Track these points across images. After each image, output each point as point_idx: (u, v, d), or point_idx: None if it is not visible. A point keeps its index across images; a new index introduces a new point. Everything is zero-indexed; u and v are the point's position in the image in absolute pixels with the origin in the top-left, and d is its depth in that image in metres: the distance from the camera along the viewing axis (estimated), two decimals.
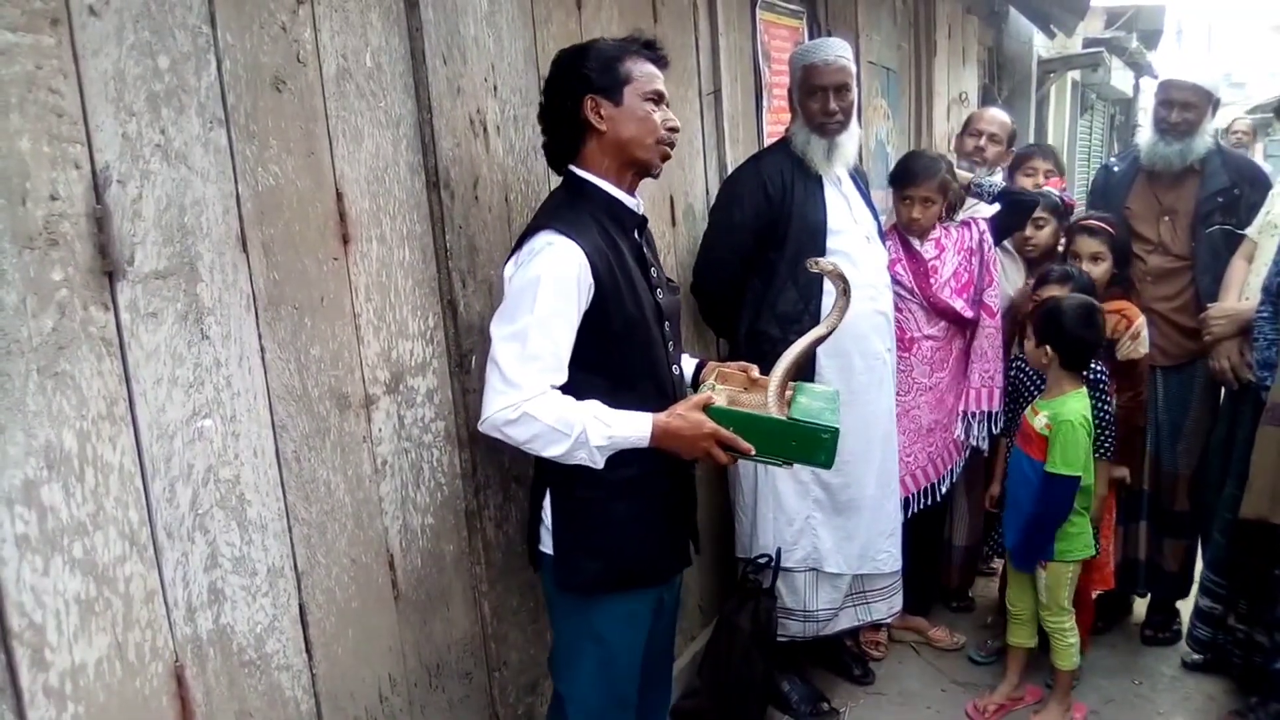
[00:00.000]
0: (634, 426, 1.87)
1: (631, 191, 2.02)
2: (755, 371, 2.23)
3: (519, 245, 1.90)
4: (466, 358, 2.13)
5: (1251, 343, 3.02)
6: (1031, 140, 8.45)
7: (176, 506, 1.47)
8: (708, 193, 3.31)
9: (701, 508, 3.24)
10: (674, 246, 3.08)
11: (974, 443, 3.42)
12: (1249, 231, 3.21)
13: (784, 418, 1.95)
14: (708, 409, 1.90)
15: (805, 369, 2.90)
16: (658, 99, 1.96)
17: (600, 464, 1.86)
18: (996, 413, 3.39)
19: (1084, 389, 2.98)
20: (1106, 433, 3.12)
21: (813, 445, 1.91)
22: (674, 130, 1.99)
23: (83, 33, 1.32)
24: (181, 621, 1.48)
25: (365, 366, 1.87)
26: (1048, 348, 2.95)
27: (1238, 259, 3.21)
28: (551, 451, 1.83)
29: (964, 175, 3.48)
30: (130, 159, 1.38)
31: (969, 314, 3.29)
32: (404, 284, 1.97)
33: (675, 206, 3.09)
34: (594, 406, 1.86)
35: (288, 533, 1.70)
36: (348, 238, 1.81)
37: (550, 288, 1.81)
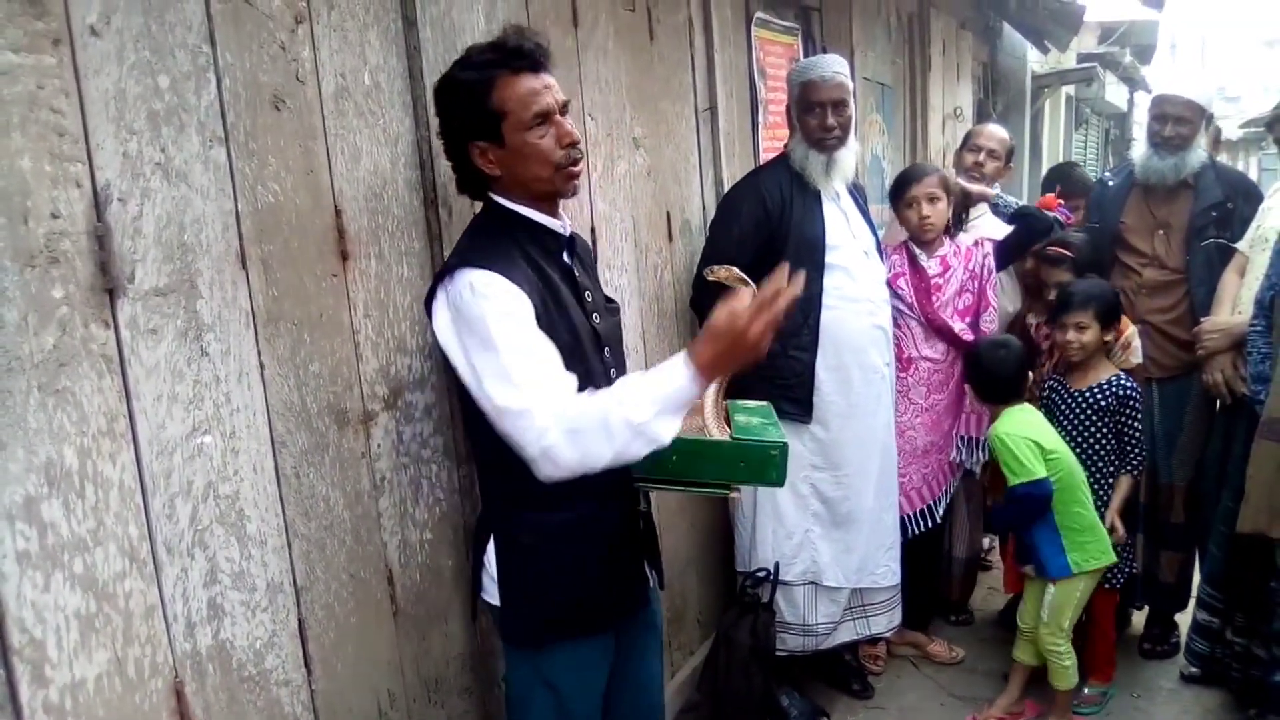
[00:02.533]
0: (671, 379, 1.61)
1: (553, 213, 1.85)
2: None
3: (441, 279, 1.73)
4: None
5: (1245, 356, 3.03)
6: (1027, 154, 8.50)
7: (176, 522, 1.48)
8: (704, 208, 3.32)
9: (700, 521, 3.27)
10: (671, 262, 3.10)
11: (966, 465, 3.45)
12: (1240, 245, 3.23)
13: (730, 439, 1.82)
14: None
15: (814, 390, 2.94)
16: (544, 118, 1.74)
17: (667, 438, 1.62)
18: (978, 439, 3.40)
19: (1022, 404, 3.07)
20: (1136, 450, 3.16)
21: (763, 464, 1.76)
22: (573, 145, 1.77)
23: (84, 53, 1.33)
24: (181, 637, 1.49)
25: (364, 382, 1.88)
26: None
27: (1229, 273, 3.23)
28: (609, 451, 1.60)
29: (986, 190, 3.51)
30: (131, 177, 1.40)
31: (968, 336, 3.29)
32: (402, 300, 1.98)
33: (672, 222, 3.10)
34: (619, 388, 1.65)
35: (287, 548, 1.70)
36: (346, 254, 1.82)
37: (501, 319, 1.65)
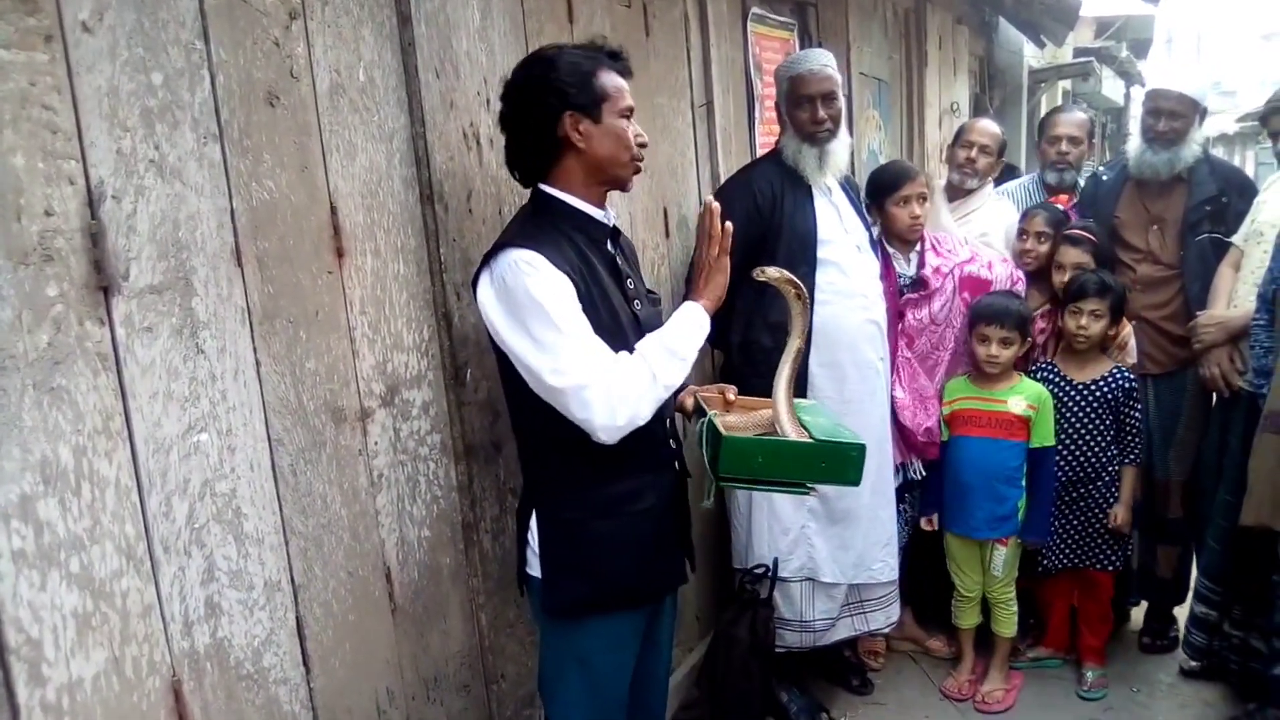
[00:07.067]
0: (690, 322, 1.95)
1: (601, 204, 1.97)
2: (732, 393, 2.17)
3: (486, 264, 1.85)
4: (462, 370, 2.13)
5: (1241, 350, 3.03)
6: (1024, 149, 8.50)
7: (173, 521, 1.47)
8: (700, 204, 3.31)
9: (697, 518, 3.25)
10: (668, 258, 3.09)
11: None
12: (1235, 239, 3.23)
13: (810, 440, 1.91)
14: (724, 441, 1.85)
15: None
16: (630, 114, 1.93)
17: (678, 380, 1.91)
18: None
19: None
20: (1135, 439, 3.26)
21: (843, 463, 1.86)
22: (644, 145, 1.96)
23: (77, 49, 1.32)
24: (179, 635, 1.48)
25: (360, 380, 1.88)
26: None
27: (1225, 267, 3.23)
28: (664, 385, 1.86)
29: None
30: (125, 174, 1.39)
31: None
32: (399, 297, 1.98)
33: (669, 218, 3.10)
34: (651, 342, 1.89)
35: (284, 546, 1.70)
36: (342, 251, 1.82)
37: (545, 294, 1.76)
